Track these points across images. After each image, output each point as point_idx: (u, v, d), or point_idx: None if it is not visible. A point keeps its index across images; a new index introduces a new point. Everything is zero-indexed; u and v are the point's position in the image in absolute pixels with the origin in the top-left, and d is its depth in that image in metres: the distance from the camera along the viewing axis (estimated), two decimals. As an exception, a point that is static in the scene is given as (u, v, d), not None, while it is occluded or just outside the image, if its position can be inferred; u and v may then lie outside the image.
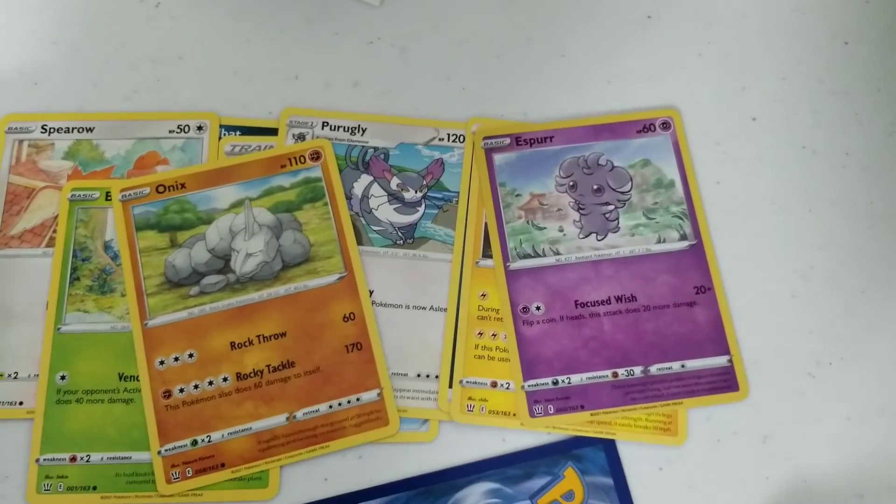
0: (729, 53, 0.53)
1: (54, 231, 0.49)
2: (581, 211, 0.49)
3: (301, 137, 0.51)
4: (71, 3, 0.54)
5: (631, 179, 0.50)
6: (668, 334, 0.47)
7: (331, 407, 0.46)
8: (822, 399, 0.47)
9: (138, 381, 0.46)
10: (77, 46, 0.53)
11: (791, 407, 0.47)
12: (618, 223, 0.49)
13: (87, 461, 0.45)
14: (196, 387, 0.46)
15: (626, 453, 0.46)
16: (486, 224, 0.49)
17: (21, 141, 0.51)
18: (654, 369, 0.47)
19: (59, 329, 0.47)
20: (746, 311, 0.48)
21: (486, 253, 0.49)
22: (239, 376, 0.46)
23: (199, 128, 0.51)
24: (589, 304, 0.48)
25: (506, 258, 0.49)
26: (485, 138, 0.51)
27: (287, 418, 0.46)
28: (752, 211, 0.50)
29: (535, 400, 0.46)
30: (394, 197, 0.50)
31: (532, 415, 0.46)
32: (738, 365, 0.47)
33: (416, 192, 0.50)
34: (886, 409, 0.47)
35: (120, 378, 0.47)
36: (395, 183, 0.51)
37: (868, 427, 0.46)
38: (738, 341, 0.47)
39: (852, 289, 0.49)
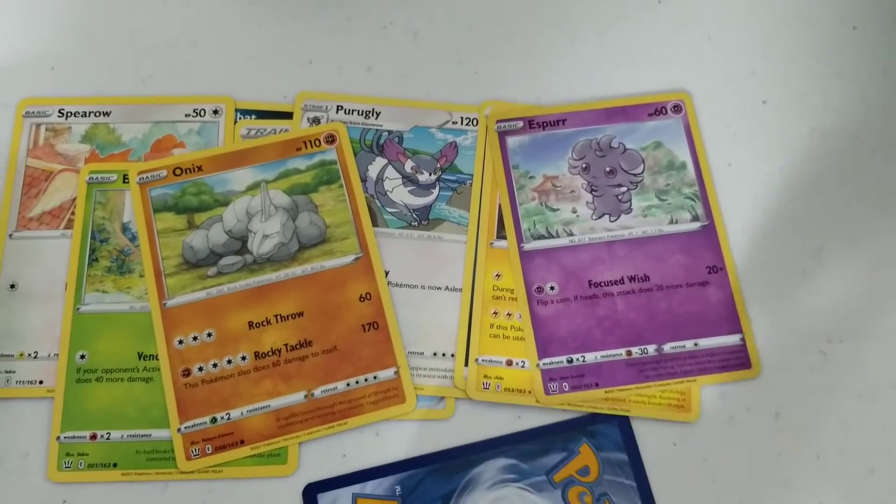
0: (738, 37, 0.53)
1: (72, 213, 0.50)
2: (594, 192, 0.50)
3: (316, 121, 0.52)
4: (87, -12, 0.55)
5: (643, 161, 0.51)
6: (680, 313, 0.48)
7: (348, 385, 0.47)
8: (833, 376, 0.48)
9: (157, 360, 0.47)
10: (93, 31, 0.54)
11: (803, 384, 0.47)
12: (630, 204, 0.50)
13: (108, 439, 0.46)
14: (215, 365, 0.47)
15: (641, 430, 0.46)
16: (499, 206, 0.50)
17: (39, 125, 0.52)
18: (667, 348, 0.47)
19: (78, 309, 0.48)
20: (758, 290, 0.49)
21: (501, 234, 0.50)
22: (257, 355, 0.47)
23: (215, 111, 0.52)
24: (602, 284, 0.48)
25: (520, 239, 0.49)
26: (498, 121, 0.51)
27: (305, 396, 0.46)
28: (762, 192, 0.51)
29: (550, 378, 0.47)
30: (408, 179, 0.51)
31: (547, 392, 0.47)
32: (750, 343, 0.48)
33: (430, 174, 0.51)
34: (896, 386, 0.47)
35: (139, 357, 0.47)
36: (409, 166, 0.51)
37: (879, 403, 0.47)
38: (749, 320, 0.48)
39: (861, 268, 0.49)
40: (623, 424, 0.46)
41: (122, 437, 0.46)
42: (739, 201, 0.50)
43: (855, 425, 0.47)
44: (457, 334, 0.48)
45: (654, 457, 0.46)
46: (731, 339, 0.48)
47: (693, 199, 0.50)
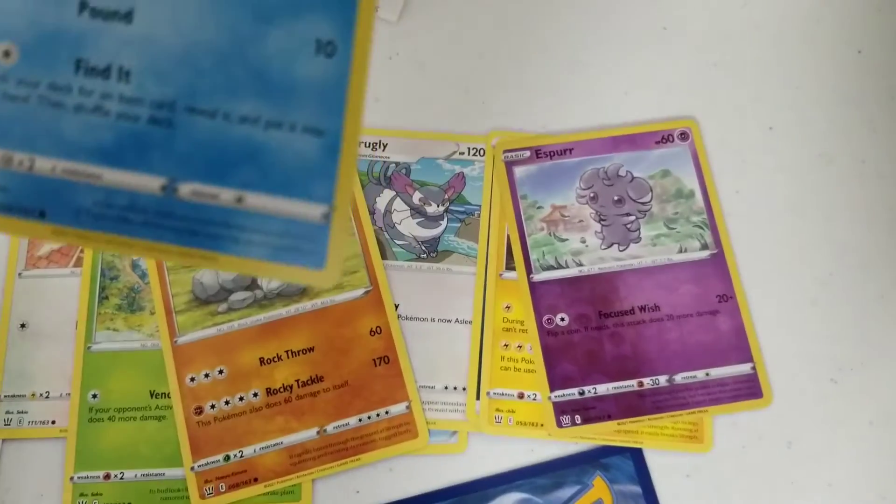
0: (744, 63, 0.53)
1: (82, 250, 0.50)
2: (602, 222, 0.50)
3: (323, 153, 0.52)
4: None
5: (651, 190, 0.51)
6: (691, 343, 0.48)
7: (360, 420, 0.47)
8: (844, 404, 0.48)
9: (169, 398, 0.47)
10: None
11: (814, 412, 0.47)
12: (639, 233, 0.50)
13: (121, 478, 0.46)
14: (227, 402, 0.47)
15: (654, 461, 0.46)
16: (508, 236, 0.50)
17: (46, 161, 0.52)
18: (678, 378, 0.47)
19: (89, 348, 0.48)
20: (768, 318, 0.49)
21: (510, 265, 0.50)
22: (269, 391, 0.47)
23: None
24: (613, 315, 0.48)
25: (529, 270, 0.49)
26: (505, 151, 0.51)
27: (318, 432, 0.46)
28: (771, 219, 0.51)
29: (563, 410, 0.47)
30: (416, 211, 0.51)
31: (559, 425, 0.47)
32: (761, 372, 0.48)
33: (438, 205, 0.51)
34: (909, 413, 0.47)
35: (151, 395, 0.47)
36: (417, 197, 0.51)
37: (891, 430, 0.47)
38: (760, 348, 0.48)
39: (872, 294, 0.49)
40: (636, 456, 0.46)
41: (135, 476, 0.46)
42: (748, 229, 0.50)
43: (867, 453, 0.47)
44: (468, 367, 0.48)
45: (669, 489, 0.46)
46: (743, 368, 0.48)
47: (702, 228, 0.50)
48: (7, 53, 0.26)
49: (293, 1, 0.26)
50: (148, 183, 0.27)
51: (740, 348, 0.48)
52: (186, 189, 0.27)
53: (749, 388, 0.47)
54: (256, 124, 0.27)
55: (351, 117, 0.27)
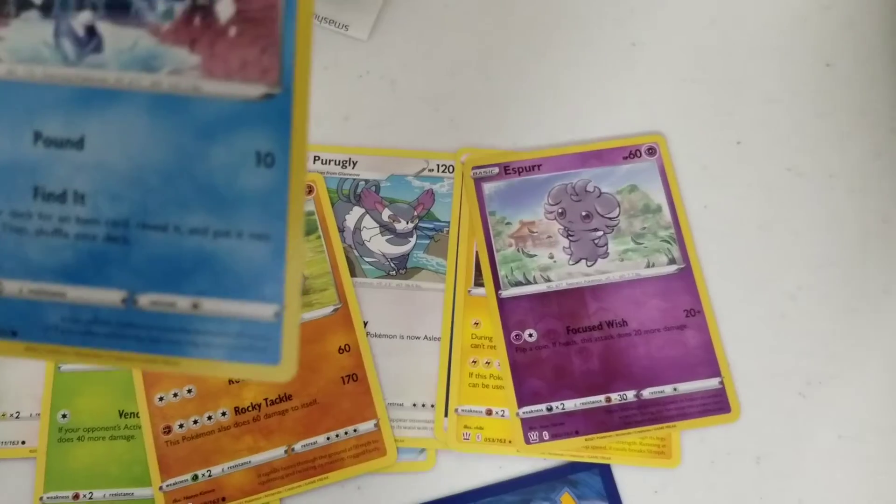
0: (714, 78, 0.54)
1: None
2: (570, 237, 0.50)
3: (294, 172, 0.52)
4: None
5: (618, 205, 0.51)
6: (659, 358, 0.48)
7: (328, 438, 0.47)
8: (813, 418, 0.48)
9: (138, 417, 0.47)
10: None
11: (783, 427, 0.47)
12: (607, 249, 0.50)
13: (91, 498, 0.46)
14: (195, 422, 0.47)
15: (622, 477, 0.46)
16: (477, 253, 0.50)
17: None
18: (646, 393, 0.47)
19: (59, 368, 0.48)
20: (736, 332, 0.49)
21: (478, 281, 0.50)
22: (237, 410, 0.47)
23: (194, 165, 0.52)
24: (581, 330, 0.48)
25: (497, 286, 0.49)
26: (474, 168, 0.51)
27: (286, 451, 0.47)
28: (739, 233, 0.51)
29: (531, 427, 0.47)
30: (385, 228, 0.51)
31: (527, 441, 0.47)
32: (729, 386, 0.48)
33: (407, 222, 0.51)
34: (878, 427, 0.47)
35: (120, 415, 0.47)
36: (386, 214, 0.51)
37: (860, 444, 0.47)
38: (728, 363, 0.48)
39: (842, 308, 0.49)
40: (604, 472, 0.46)
41: (104, 496, 0.46)
42: (716, 243, 0.50)
43: (836, 467, 0.47)
44: (436, 384, 0.48)
45: (636, 505, 0.46)
46: (711, 383, 0.48)
47: (669, 242, 0.50)
48: None
49: (231, 118, 0.28)
50: (109, 297, 0.28)
51: (708, 363, 0.48)
52: (145, 300, 0.28)
53: (717, 403, 0.47)
54: (206, 234, 0.28)
55: (293, 220, 0.28)
